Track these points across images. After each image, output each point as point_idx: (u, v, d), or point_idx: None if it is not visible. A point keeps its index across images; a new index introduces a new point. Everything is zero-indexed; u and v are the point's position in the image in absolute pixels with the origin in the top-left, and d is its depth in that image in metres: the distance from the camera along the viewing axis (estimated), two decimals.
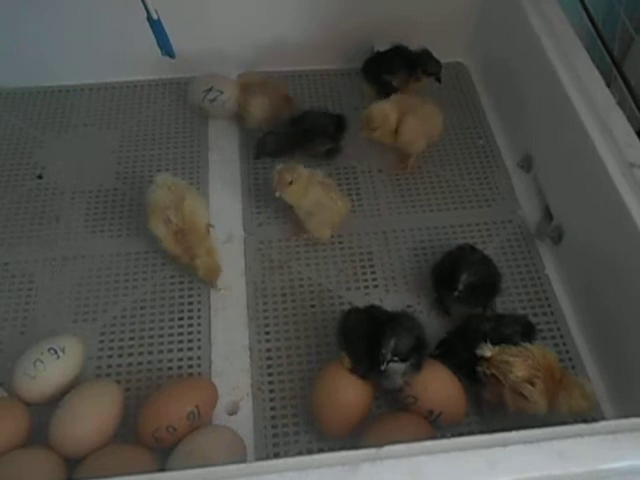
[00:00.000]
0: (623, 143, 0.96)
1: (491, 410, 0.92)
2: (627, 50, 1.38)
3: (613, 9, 1.36)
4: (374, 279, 1.07)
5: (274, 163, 1.08)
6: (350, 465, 0.62)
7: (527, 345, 0.88)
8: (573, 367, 0.98)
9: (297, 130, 1.17)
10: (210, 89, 1.26)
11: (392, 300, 1.04)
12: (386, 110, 1.14)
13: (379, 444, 0.64)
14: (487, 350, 0.87)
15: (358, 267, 1.09)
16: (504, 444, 0.64)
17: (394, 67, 1.27)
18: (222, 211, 1.14)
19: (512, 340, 0.90)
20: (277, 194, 1.04)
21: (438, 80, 1.27)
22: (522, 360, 0.85)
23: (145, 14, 1.00)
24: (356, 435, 0.87)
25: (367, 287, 1.07)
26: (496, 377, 0.86)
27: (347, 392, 0.86)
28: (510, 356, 0.86)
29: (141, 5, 0.99)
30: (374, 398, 0.91)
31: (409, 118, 1.14)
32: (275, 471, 0.62)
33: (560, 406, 0.86)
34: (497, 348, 0.88)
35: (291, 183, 1.03)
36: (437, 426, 0.88)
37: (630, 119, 1.01)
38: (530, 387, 0.84)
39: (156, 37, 1.01)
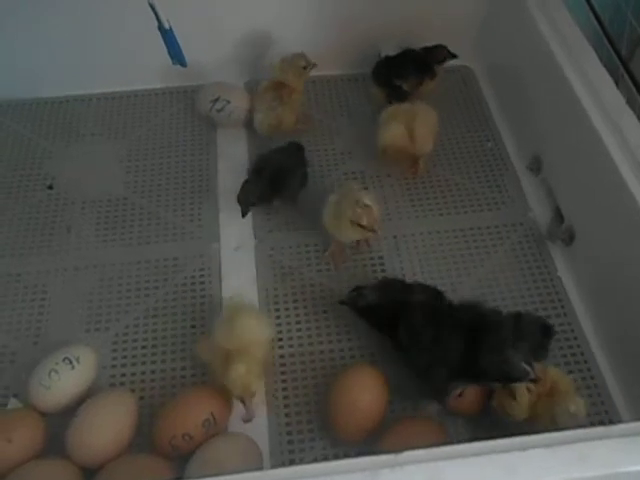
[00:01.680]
0: (634, 143, 0.96)
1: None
2: (634, 49, 1.38)
3: (620, 9, 1.36)
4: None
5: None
6: (369, 471, 0.62)
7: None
8: (589, 369, 0.98)
9: (266, 180, 1.10)
10: (217, 99, 1.26)
11: None
12: (400, 136, 1.15)
13: (398, 450, 0.64)
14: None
15: (369, 272, 1.09)
16: (523, 448, 0.63)
17: (405, 71, 1.27)
18: (232, 219, 1.14)
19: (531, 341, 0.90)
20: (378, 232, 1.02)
21: (453, 55, 1.29)
22: None
23: (156, 23, 1.00)
24: (371, 441, 0.87)
25: None
26: None
27: (364, 397, 0.86)
28: None
29: (150, 14, 0.99)
30: (389, 403, 0.90)
31: (418, 125, 1.15)
32: (293, 478, 0.62)
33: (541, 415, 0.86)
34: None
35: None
36: None
37: (638, 118, 1.01)
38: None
39: (167, 46, 1.01)
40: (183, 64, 1.04)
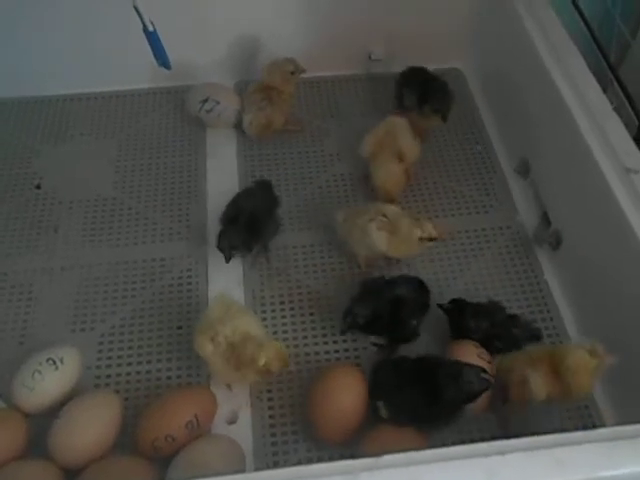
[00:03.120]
0: (620, 149, 0.97)
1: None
2: (624, 55, 1.38)
3: (609, 14, 1.36)
4: None
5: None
6: (349, 475, 0.62)
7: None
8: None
9: (242, 227, 1.05)
10: (206, 99, 1.26)
11: None
12: (396, 174, 1.14)
13: (378, 453, 0.64)
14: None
15: (356, 274, 1.09)
16: (502, 452, 0.63)
17: (416, 90, 1.23)
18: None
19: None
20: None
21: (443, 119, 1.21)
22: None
23: (141, 25, 1.00)
24: (353, 441, 0.87)
25: None
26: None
27: (345, 399, 0.87)
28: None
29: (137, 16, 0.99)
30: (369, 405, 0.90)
31: (404, 141, 1.14)
32: None
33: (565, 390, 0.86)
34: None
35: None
36: None
37: (627, 124, 1.01)
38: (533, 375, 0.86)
39: (152, 48, 1.01)
40: (167, 66, 1.04)
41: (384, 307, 0.96)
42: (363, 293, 0.98)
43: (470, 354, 0.91)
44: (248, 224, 1.04)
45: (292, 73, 1.24)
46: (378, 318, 0.95)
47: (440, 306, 1.00)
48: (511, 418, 0.90)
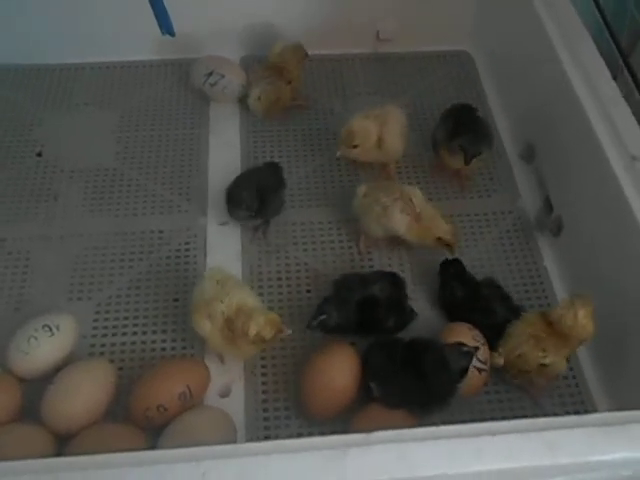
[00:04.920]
0: (626, 136, 0.95)
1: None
2: (635, 43, 1.36)
3: (623, 1, 1.34)
4: (371, 266, 1.07)
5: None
6: (339, 449, 0.62)
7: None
8: (568, 360, 0.98)
9: (253, 191, 1.06)
10: (211, 73, 1.25)
11: None
12: (369, 126, 1.10)
13: (368, 429, 0.64)
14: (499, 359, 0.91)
15: (355, 253, 1.09)
16: (493, 433, 0.63)
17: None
18: (221, 193, 1.12)
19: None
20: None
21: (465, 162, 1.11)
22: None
23: None
24: (346, 420, 0.87)
25: None
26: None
27: (337, 376, 0.87)
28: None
29: None
30: (361, 384, 0.90)
31: (389, 130, 1.11)
32: (264, 453, 0.62)
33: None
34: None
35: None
36: None
37: (636, 112, 1.00)
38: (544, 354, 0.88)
39: (156, 15, 1.00)
40: (172, 33, 1.03)
41: (354, 309, 0.93)
42: (337, 291, 0.96)
43: (464, 336, 0.90)
44: (258, 191, 1.05)
45: (302, 58, 1.24)
46: (348, 321, 0.93)
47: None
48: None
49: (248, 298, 0.90)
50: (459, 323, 0.94)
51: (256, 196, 1.05)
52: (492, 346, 0.92)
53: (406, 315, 0.97)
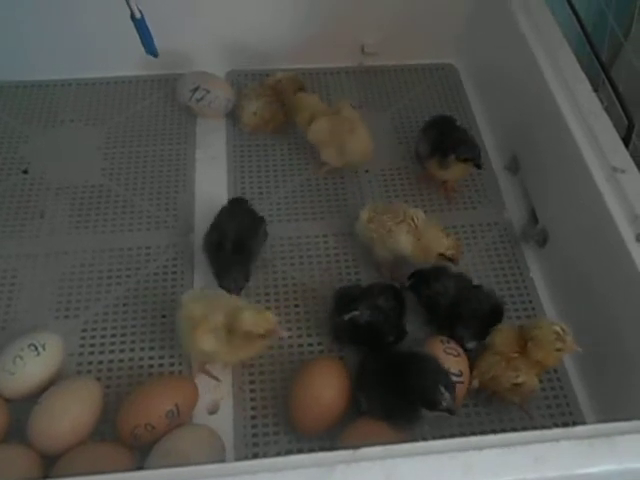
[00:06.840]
0: (608, 148, 0.97)
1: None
2: (616, 55, 1.38)
3: (603, 14, 1.36)
4: (358, 279, 1.07)
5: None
6: (325, 467, 0.62)
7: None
8: (555, 371, 0.98)
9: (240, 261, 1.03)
10: (197, 88, 1.25)
11: None
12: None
13: (355, 446, 0.64)
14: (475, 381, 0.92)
15: (342, 267, 1.09)
16: (480, 447, 0.63)
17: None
18: (208, 208, 1.13)
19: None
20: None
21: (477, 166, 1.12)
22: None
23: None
24: (335, 436, 0.87)
25: None
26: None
27: (326, 391, 0.87)
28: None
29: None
30: (350, 398, 0.90)
31: (351, 137, 1.14)
32: (250, 472, 0.62)
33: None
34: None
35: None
36: None
37: (618, 124, 1.01)
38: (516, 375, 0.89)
39: (140, 35, 1.00)
40: (155, 54, 1.04)
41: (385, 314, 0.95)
42: (338, 303, 0.97)
43: (437, 349, 0.91)
44: (244, 255, 1.02)
45: (298, 90, 1.25)
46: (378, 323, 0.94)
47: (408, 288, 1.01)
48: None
49: (237, 301, 0.91)
50: (433, 337, 0.95)
51: (244, 269, 1.02)
52: (483, 337, 0.95)
53: (402, 331, 0.97)
